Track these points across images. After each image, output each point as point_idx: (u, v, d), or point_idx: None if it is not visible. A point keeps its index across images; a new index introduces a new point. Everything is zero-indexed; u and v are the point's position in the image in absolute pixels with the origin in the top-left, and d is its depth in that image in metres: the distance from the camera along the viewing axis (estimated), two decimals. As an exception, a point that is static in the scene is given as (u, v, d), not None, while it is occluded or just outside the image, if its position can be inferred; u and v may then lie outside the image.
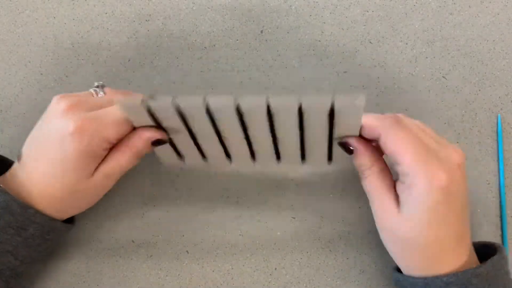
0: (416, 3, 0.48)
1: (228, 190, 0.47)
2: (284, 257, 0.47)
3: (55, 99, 0.40)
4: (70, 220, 0.44)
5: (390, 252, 0.40)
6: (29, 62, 0.48)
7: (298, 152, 0.41)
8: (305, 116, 0.36)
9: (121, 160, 0.40)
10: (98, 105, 0.40)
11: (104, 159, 0.40)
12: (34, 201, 0.39)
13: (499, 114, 0.48)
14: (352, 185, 0.47)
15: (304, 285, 0.47)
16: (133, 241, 0.47)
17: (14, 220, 0.38)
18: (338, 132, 0.38)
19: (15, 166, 0.41)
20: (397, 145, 0.36)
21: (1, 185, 0.39)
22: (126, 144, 0.40)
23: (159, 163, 0.43)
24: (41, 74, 0.48)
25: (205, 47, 0.48)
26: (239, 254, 0.48)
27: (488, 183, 0.47)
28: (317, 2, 0.48)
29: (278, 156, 0.42)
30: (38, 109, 0.48)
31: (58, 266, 0.46)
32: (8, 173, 0.41)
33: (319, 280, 0.47)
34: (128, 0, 0.48)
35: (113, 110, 0.39)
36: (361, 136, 0.38)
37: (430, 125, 0.47)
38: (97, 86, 0.43)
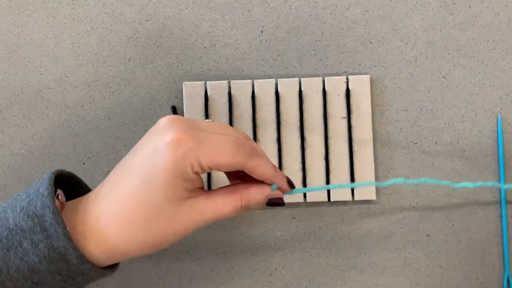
0: (417, 3, 0.48)
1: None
2: (284, 257, 0.47)
3: (161, 120, 0.37)
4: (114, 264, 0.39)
5: None
6: (29, 62, 0.48)
7: None
8: None
9: (227, 206, 0.37)
10: (210, 129, 0.37)
11: (208, 195, 0.37)
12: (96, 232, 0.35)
13: (499, 114, 0.48)
14: (352, 185, 0.47)
15: (304, 285, 0.47)
16: (133, 241, 0.47)
17: (66, 269, 0.34)
18: None
19: (93, 190, 0.37)
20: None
21: (67, 228, 0.34)
22: (241, 192, 0.37)
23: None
24: (41, 74, 0.48)
25: (205, 47, 0.48)
26: (239, 254, 0.48)
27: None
28: (317, 2, 0.48)
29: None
30: (38, 109, 0.48)
31: (58, 266, 0.46)
32: (81, 199, 0.37)
33: (319, 280, 0.47)
34: (128, 0, 0.48)
35: (223, 137, 0.36)
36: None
37: (430, 125, 0.47)
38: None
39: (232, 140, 0.36)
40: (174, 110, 0.48)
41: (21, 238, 0.34)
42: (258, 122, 0.47)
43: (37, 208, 0.34)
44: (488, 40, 0.48)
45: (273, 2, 0.48)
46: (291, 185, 0.40)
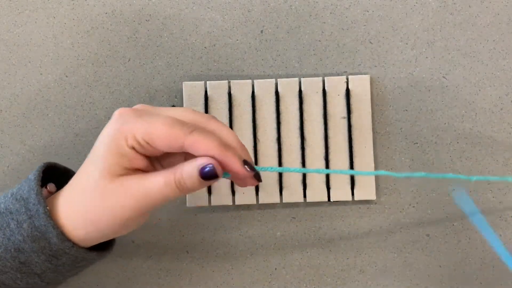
0: (416, 3, 0.48)
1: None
2: (284, 257, 0.47)
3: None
4: (107, 247, 0.41)
5: None
6: (29, 62, 0.48)
7: None
8: None
9: (159, 182, 0.35)
10: (163, 111, 0.37)
11: (142, 174, 0.36)
12: (69, 219, 0.36)
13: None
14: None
15: (304, 285, 0.47)
16: (133, 241, 0.47)
17: (48, 248, 0.36)
18: None
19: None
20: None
21: (47, 207, 0.36)
22: (175, 168, 0.35)
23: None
24: (41, 74, 0.48)
25: (205, 47, 0.48)
26: (239, 254, 0.48)
27: (488, 183, 0.47)
28: (317, 2, 0.48)
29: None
30: (38, 109, 0.48)
31: (58, 266, 0.46)
32: (62, 190, 0.38)
33: (319, 280, 0.47)
34: (128, 0, 0.48)
35: (166, 115, 0.36)
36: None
37: (430, 125, 0.47)
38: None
39: (174, 118, 0.35)
40: None
41: (9, 220, 0.36)
42: (258, 122, 0.47)
43: (24, 191, 0.37)
44: (488, 40, 0.48)
45: (273, 2, 0.48)
46: (250, 167, 0.36)
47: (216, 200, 0.47)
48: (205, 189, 0.46)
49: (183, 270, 0.47)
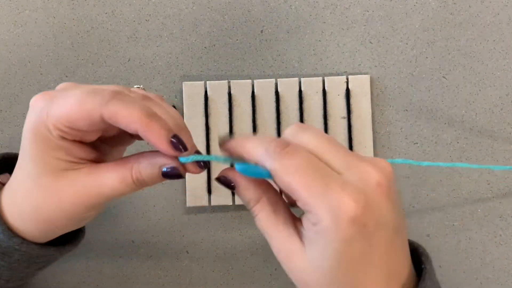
0: (417, 3, 0.48)
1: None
2: (284, 257, 0.47)
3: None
4: (73, 239, 0.38)
5: None
6: (29, 62, 0.48)
7: None
8: None
9: (114, 180, 0.31)
10: (80, 87, 0.31)
11: (93, 167, 0.32)
12: (17, 215, 0.33)
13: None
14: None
15: (304, 285, 0.47)
16: (133, 241, 0.47)
17: None
18: None
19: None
20: (288, 177, 0.28)
21: None
22: (131, 163, 0.31)
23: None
24: (41, 74, 0.48)
25: (205, 47, 0.48)
26: (239, 254, 0.48)
27: (488, 183, 0.47)
28: (317, 2, 0.48)
29: None
30: (38, 109, 0.48)
31: (58, 266, 0.46)
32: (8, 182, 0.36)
33: (319, 280, 0.47)
34: (128, 0, 0.48)
35: (80, 89, 0.31)
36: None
37: (430, 125, 0.47)
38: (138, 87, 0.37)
39: (87, 90, 0.30)
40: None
41: None
42: (258, 122, 0.47)
43: None
44: (488, 40, 0.48)
45: (273, 1, 0.48)
46: (180, 144, 0.30)
47: (216, 200, 0.47)
48: (205, 189, 0.46)
49: (183, 270, 0.47)
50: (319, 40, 0.48)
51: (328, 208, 0.27)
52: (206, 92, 0.47)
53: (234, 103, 0.47)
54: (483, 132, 0.48)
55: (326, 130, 0.47)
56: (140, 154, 0.32)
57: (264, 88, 0.47)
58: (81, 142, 0.32)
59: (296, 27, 0.48)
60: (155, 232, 0.47)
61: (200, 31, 0.48)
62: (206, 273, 0.47)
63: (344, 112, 0.47)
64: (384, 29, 0.48)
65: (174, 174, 0.31)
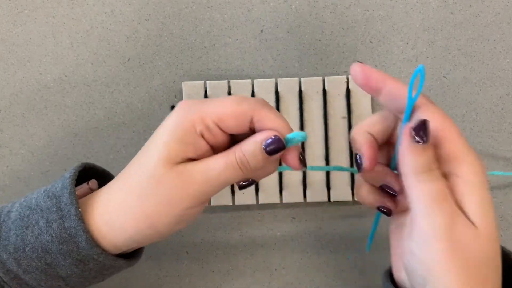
0: (417, 2, 0.48)
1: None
2: (284, 257, 0.47)
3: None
4: (136, 254, 0.39)
5: (431, 269, 0.30)
6: (28, 61, 0.48)
7: None
8: None
9: (219, 163, 0.33)
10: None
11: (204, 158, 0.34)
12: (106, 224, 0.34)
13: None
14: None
15: (304, 285, 0.47)
16: (133, 241, 0.47)
17: (76, 252, 0.34)
18: None
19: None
20: (445, 120, 0.33)
21: (79, 209, 0.34)
22: (235, 147, 0.34)
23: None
24: (40, 73, 0.48)
25: (205, 47, 0.48)
26: (239, 254, 0.48)
27: (488, 183, 0.47)
28: (317, 1, 0.48)
29: None
30: (37, 109, 0.48)
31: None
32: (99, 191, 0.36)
33: (319, 280, 0.47)
34: (128, 0, 0.48)
35: (226, 97, 0.34)
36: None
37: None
38: None
39: (240, 97, 0.34)
40: None
41: (39, 217, 0.34)
42: (258, 122, 0.47)
43: (57, 189, 0.35)
44: (488, 40, 0.48)
45: (273, 1, 0.48)
46: (303, 162, 0.35)
47: (216, 200, 0.47)
48: None
49: (183, 270, 0.47)
50: (319, 40, 0.48)
51: (476, 173, 0.33)
52: (206, 91, 0.47)
53: None
54: (483, 132, 0.48)
55: (326, 130, 0.47)
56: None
57: (264, 88, 0.47)
58: (208, 144, 0.34)
59: (296, 27, 0.48)
60: (155, 232, 0.47)
61: (200, 31, 0.48)
62: (206, 273, 0.47)
63: (344, 112, 0.47)
64: (384, 28, 0.48)
65: (276, 147, 0.33)
